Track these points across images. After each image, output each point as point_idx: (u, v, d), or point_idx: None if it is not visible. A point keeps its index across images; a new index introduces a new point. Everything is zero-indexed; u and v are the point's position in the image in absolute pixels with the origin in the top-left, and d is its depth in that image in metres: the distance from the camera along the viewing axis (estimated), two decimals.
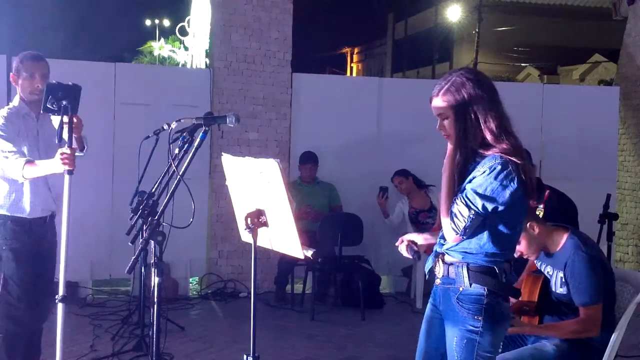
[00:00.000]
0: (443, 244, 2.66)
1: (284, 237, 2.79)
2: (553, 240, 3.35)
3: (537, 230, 3.32)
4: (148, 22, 33.40)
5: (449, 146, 2.61)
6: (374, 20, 34.97)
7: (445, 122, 2.58)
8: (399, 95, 7.49)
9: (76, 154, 3.41)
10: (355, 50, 40.31)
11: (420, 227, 6.72)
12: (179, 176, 2.72)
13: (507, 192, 2.47)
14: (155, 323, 2.76)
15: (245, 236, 2.86)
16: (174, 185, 2.74)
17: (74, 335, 5.20)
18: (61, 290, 3.25)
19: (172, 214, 2.78)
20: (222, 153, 3.12)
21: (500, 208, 2.49)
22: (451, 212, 2.52)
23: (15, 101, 3.77)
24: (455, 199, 2.53)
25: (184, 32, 16.68)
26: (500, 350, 3.16)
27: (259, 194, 2.81)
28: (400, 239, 2.92)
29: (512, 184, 2.47)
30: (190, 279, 7.13)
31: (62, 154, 3.30)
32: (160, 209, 2.77)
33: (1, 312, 3.70)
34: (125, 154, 6.17)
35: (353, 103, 7.37)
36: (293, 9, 7.29)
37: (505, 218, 2.53)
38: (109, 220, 6.50)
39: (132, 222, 3.24)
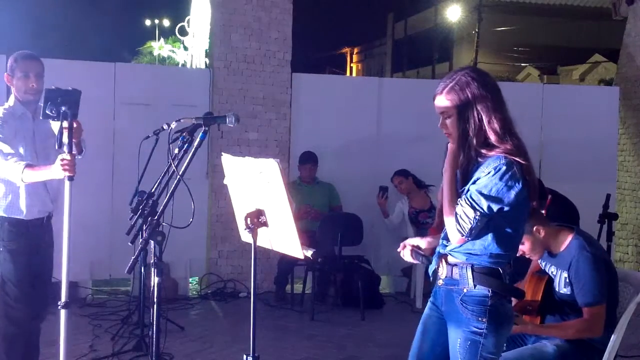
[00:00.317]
0: (446, 245, 2.64)
1: (283, 237, 2.78)
2: (558, 241, 3.34)
3: (542, 234, 3.33)
4: (148, 22, 33.45)
5: (450, 146, 2.61)
6: (374, 20, 35.03)
7: (448, 121, 2.57)
8: (399, 95, 7.49)
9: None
10: (355, 50, 40.32)
11: (420, 227, 6.72)
12: (178, 176, 2.72)
13: (512, 193, 2.46)
14: (155, 323, 2.76)
15: (245, 236, 2.86)
16: (173, 185, 2.74)
17: (73, 335, 5.19)
18: (64, 297, 3.24)
19: (172, 214, 2.78)
20: (222, 153, 3.12)
21: (506, 209, 2.48)
22: (456, 213, 2.50)
23: (11, 101, 3.74)
24: (459, 200, 2.52)
25: (183, 32, 16.67)
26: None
27: (259, 194, 2.80)
28: (402, 244, 2.87)
29: (517, 184, 2.46)
30: (190, 279, 7.12)
31: (62, 159, 3.29)
32: (160, 209, 2.77)
33: None
34: (125, 154, 6.17)
35: (353, 103, 7.37)
36: (293, 9, 7.29)
37: (510, 219, 2.52)
38: (109, 220, 6.50)
39: (132, 222, 3.25)
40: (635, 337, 5.47)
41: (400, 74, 30.81)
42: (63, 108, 3.26)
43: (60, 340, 3.24)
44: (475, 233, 2.50)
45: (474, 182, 2.51)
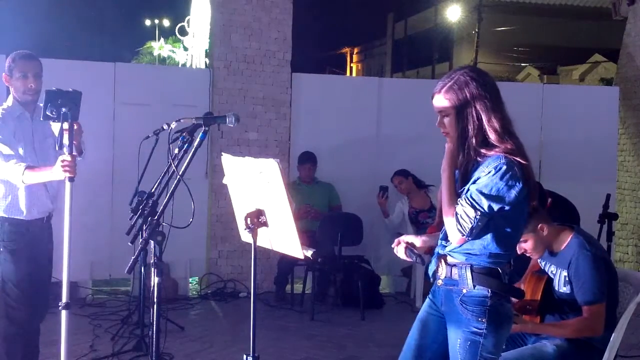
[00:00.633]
0: (445, 246, 2.64)
1: (283, 237, 2.78)
2: (558, 240, 3.36)
3: (546, 232, 3.33)
4: (148, 22, 33.42)
5: (447, 146, 2.61)
6: (374, 20, 35.01)
7: (446, 120, 2.57)
8: (399, 95, 7.49)
9: None
10: (355, 50, 40.32)
11: (420, 227, 6.72)
12: (178, 176, 2.72)
13: (513, 192, 2.46)
14: (155, 323, 2.76)
15: (245, 236, 2.86)
16: (173, 185, 2.74)
17: (74, 335, 5.18)
18: (64, 297, 3.24)
19: (172, 214, 2.78)
20: (222, 153, 3.12)
21: (506, 208, 2.48)
22: (456, 213, 2.50)
23: (9, 101, 3.73)
24: (459, 200, 2.52)
25: (183, 32, 16.66)
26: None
27: (259, 194, 2.80)
28: (396, 240, 2.85)
29: (517, 184, 2.46)
30: (190, 279, 7.12)
31: (63, 161, 3.29)
32: (160, 209, 2.77)
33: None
34: (125, 154, 6.16)
35: (353, 103, 7.37)
36: (293, 9, 7.29)
37: (510, 218, 2.53)
38: (109, 220, 6.50)
39: (132, 222, 3.25)
40: (635, 337, 5.47)
41: (400, 74, 30.81)
42: (63, 109, 3.25)
43: (61, 340, 3.24)
44: (476, 233, 2.50)
45: (474, 182, 2.50)
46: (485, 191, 2.47)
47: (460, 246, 2.56)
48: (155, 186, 3.06)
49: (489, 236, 2.52)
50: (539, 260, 3.50)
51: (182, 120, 2.94)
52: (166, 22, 31.34)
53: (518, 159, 2.47)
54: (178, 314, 6.04)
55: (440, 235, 2.70)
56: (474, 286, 2.54)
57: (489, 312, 2.53)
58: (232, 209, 3.05)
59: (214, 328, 5.78)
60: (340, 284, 6.71)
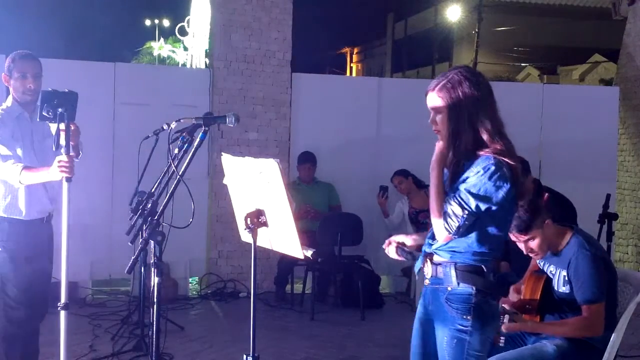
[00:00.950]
0: (431, 244, 2.66)
1: (283, 237, 2.79)
2: (558, 239, 3.36)
3: (552, 229, 3.33)
4: (148, 22, 33.46)
5: (438, 144, 2.62)
6: (374, 20, 35.00)
7: (438, 118, 2.59)
8: (399, 95, 7.49)
9: None
10: (355, 50, 40.31)
11: (420, 227, 6.71)
12: (178, 176, 2.72)
13: (501, 193, 2.48)
14: (155, 323, 2.76)
15: (245, 236, 2.86)
16: (173, 185, 2.74)
17: (73, 335, 5.19)
18: (63, 298, 3.24)
19: (172, 214, 2.78)
20: (222, 153, 3.12)
21: (494, 208, 2.50)
22: (445, 212, 2.52)
23: (8, 102, 3.73)
24: (448, 199, 2.53)
25: (183, 32, 16.69)
26: (498, 349, 3.16)
27: (259, 194, 2.81)
28: (387, 241, 2.87)
29: (505, 184, 2.48)
30: (190, 279, 7.12)
31: (60, 161, 3.29)
32: (160, 209, 2.77)
33: None
34: (125, 154, 6.17)
35: (353, 103, 7.37)
36: (293, 9, 7.29)
37: (497, 218, 2.54)
38: (109, 220, 6.50)
39: (132, 222, 3.25)
40: (635, 337, 5.47)
41: (400, 74, 30.81)
42: (60, 110, 3.25)
43: (61, 340, 3.24)
44: (463, 231, 2.52)
45: (463, 181, 2.52)
46: (474, 191, 2.48)
47: (446, 244, 2.58)
48: (155, 186, 3.07)
49: (474, 235, 2.54)
50: (538, 261, 3.51)
51: (182, 120, 2.94)
52: (166, 22, 31.38)
53: (507, 159, 2.49)
54: (178, 314, 6.03)
55: (428, 234, 2.71)
56: (458, 284, 2.56)
57: (473, 310, 2.54)
58: (232, 209, 3.05)
59: (214, 328, 5.78)
60: (340, 284, 6.71)
